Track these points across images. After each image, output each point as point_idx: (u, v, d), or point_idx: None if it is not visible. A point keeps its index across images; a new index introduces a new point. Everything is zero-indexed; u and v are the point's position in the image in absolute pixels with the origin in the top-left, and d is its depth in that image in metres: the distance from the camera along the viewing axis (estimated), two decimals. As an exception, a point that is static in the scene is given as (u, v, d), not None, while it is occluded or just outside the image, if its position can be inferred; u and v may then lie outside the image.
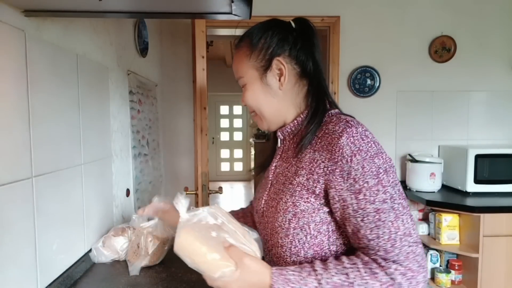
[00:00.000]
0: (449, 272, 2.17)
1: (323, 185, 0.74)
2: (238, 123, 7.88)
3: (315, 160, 0.75)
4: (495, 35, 2.58)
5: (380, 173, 0.70)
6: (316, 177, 0.74)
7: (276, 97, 0.84)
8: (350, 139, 0.71)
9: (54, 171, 1.00)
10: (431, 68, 2.58)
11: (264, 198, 0.87)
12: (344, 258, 0.71)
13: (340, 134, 0.72)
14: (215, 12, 0.87)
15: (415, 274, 0.67)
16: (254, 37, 0.83)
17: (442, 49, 2.55)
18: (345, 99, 2.56)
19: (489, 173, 2.24)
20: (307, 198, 0.75)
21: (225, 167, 7.88)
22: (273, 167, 0.88)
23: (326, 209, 0.75)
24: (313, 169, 0.75)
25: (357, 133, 0.71)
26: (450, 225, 2.16)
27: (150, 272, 1.13)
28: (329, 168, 0.72)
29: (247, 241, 0.74)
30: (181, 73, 2.54)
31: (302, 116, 0.84)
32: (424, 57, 2.58)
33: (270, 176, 0.88)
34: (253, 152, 6.95)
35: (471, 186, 2.25)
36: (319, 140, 0.76)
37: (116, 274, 1.13)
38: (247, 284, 0.69)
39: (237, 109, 7.84)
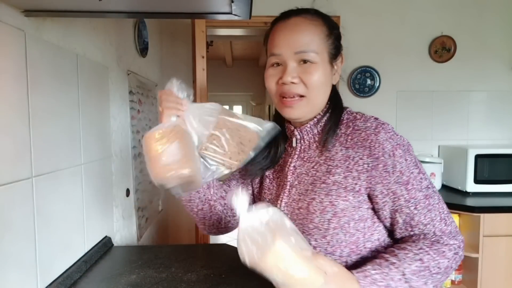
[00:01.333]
0: (449, 272, 2.16)
1: (364, 182, 0.74)
2: (238, 123, 7.86)
3: (351, 158, 0.75)
4: (495, 35, 2.58)
5: (418, 162, 0.75)
6: (356, 174, 0.74)
7: (329, 87, 0.83)
8: (388, 135, 0.73)
9: (54, 171, 1.00)
10: (431, 68, 2.58)
11: (284, 200, 0.84)
12: (407, 246, 0.73)
13: (376, 130, 0.74)
14: (215, 12, 0.87)
15: (462, 245, 0.74)
16: (329, 21, 0.82)
17: (442, 49, 2.55)
18: (345, 99, 2.51)
19: (489, 173, 2.24)
20: (345, 197, 0.74)
21: (225, 167, 7.86)
22: (291, 168, 0.85)
23: (365, 206, 0.76)
24: (350, 166, 0.75)
25: (390, 129, 0.75)
26: (450, 225, 2.16)
27: (150, 272, 1.13)
28: (371, 164, 0.73)
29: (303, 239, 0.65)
30: (181, 73, 2.54)
31: (321, 113, 0.83)
32: (424, 57, 2.58)
33: (289, 177, 0.84)
34: (253, 152, 6.93)
35: (471, 186, 2.25)
36: (350, 137, 0.77)
37: (116, 274, 1.13)
38: None
39: (237, 109, 7.83)
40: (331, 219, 0.75)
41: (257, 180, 0.96)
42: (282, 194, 0.85)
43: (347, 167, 0.75)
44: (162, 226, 2.35)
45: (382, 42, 2.55)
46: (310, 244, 0.77)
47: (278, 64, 0.79)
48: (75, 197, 1.13)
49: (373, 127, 0.74)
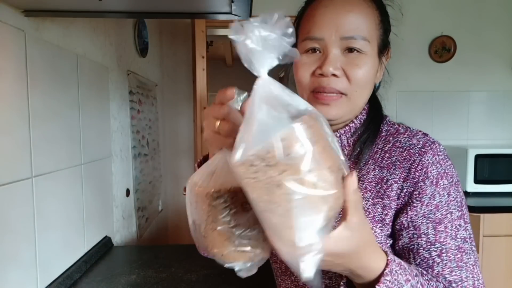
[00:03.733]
0: (449, 272, 2.17)
1: (394, 211, 0.60)
2: (238, 123, 7.87)
3: (385, 180, 0.60)
4: (495, 35, 2.58)
5: (463, 205, 0.59)
6: (388, 202, 0.59)
7: (373, 86, 0.67)
8: (436, 158, 0.59)
9: (54, 171, 0.99)
10: (431, 68, 2.58)
11: None
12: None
13: (423, 150, 0.59)
14: (215, 12, 0.87)
15: None
16: (382, 6, 0.67)
17: (442, 49, 2.55)
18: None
19: (489, 173, 2.24)
20: (372, 229, 0.59)
21: (225, 167, 7.87)
22: None
23: (389, 241, 0.61)
24: (382, 191, 0.60)
25: (441, 152, 0.60)
26: (450, 225, 2.16)
27: (150, 272, 1.13)
28: (404, 191, 0.59)
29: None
30: (181, 73, 2.54)
31: (356, 122, 0.67)
32: (424, 57, 2.58)
33: None
34: (253, 152, 6.94)
35: (471, 186, 2.25)
36: (387, 155, 0.62)
37: (116, 274, 1.13)
38: (353, 257, 0.44)
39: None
40: None
41: None
42: None
43: (378, 191, 0.60)
44: (162, 226, 2.35)
45: (382, 42, 2.56)
46: (323, 282, 0.63)
47: (314, 50, 0.62)
48: (75, 197, 1.13)
49: (419, 146, 0.60)
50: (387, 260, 0.48)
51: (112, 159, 1.47)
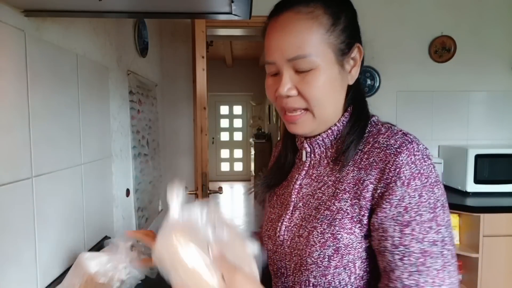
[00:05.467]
0: (449, 272, 2.16)
1: (369, 212, 0.60)
2: (238, 123, 7.89)
3: (362, 181, 0.61)
4: (495, 35, 2.58)
5: (438, 207, 0.58)
6: (364, 203, 0.60)
7: (342, 92, 0.67)
8: (411, 158, 0.58)
9: (54, 171, 0.99)
10: (431, 68, 2.58)
11: (284, 223, 0.70)
12: None
13: (399, 150, 0.59)
14: (215, 12, 0.87)
15: None
16: (334, 5, 0.64)
17: (442, 49, 2.55)
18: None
19: (489, 173, 2.24)
20: (351, 229, 0.61)
21: (225, 167, 7.89)
22: (297, 186, 0.72)
23: (366, 242, 0.62)
24: (359, 192, 0.61)
25: (418, 152, 0.59)
26: (450, 225, 2.16)
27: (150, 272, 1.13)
28: (378, 191, 0.59)
29: (243, 255, 0.58)
30: (181, 73, 2.54)
31: (338, 125, 0.68)
32: (424, 57, 2.58)
33: (293, 196, 0.71)
34: (253, 152, 6.97)
35: (471, 186, 2.25)
36: (366, 156, 0.63)
37: (116, 274, 1.13)
38: None
39: (237, 109, 7.84)
40: (332, 255, 0.61)
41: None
42: (284, 215, 0.71)
43: (356, 193, 0.61)
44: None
45: (382, 42, 2.56)
46: (309, 281, 0.64)
47: (276, 73, 0.66)
48: (75, 197, 1.12)
49: (395, 146, 0.59)
50: None
51: (112, 159, 1.47)
